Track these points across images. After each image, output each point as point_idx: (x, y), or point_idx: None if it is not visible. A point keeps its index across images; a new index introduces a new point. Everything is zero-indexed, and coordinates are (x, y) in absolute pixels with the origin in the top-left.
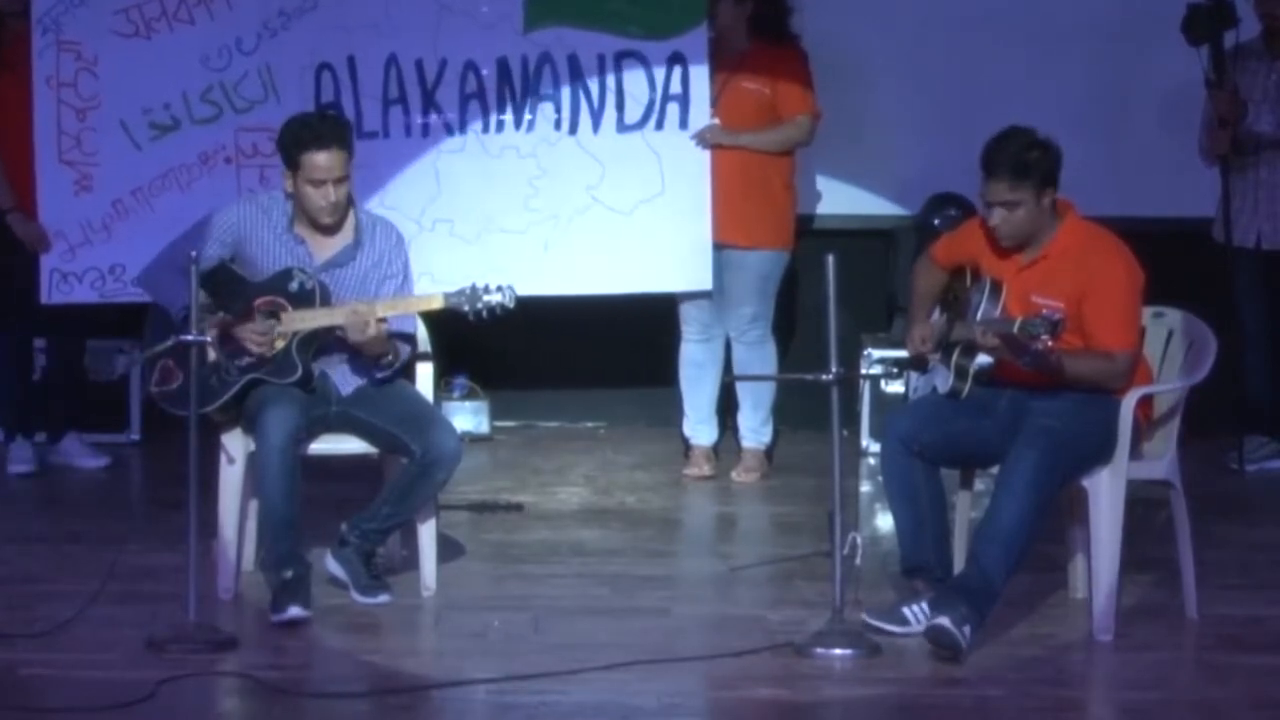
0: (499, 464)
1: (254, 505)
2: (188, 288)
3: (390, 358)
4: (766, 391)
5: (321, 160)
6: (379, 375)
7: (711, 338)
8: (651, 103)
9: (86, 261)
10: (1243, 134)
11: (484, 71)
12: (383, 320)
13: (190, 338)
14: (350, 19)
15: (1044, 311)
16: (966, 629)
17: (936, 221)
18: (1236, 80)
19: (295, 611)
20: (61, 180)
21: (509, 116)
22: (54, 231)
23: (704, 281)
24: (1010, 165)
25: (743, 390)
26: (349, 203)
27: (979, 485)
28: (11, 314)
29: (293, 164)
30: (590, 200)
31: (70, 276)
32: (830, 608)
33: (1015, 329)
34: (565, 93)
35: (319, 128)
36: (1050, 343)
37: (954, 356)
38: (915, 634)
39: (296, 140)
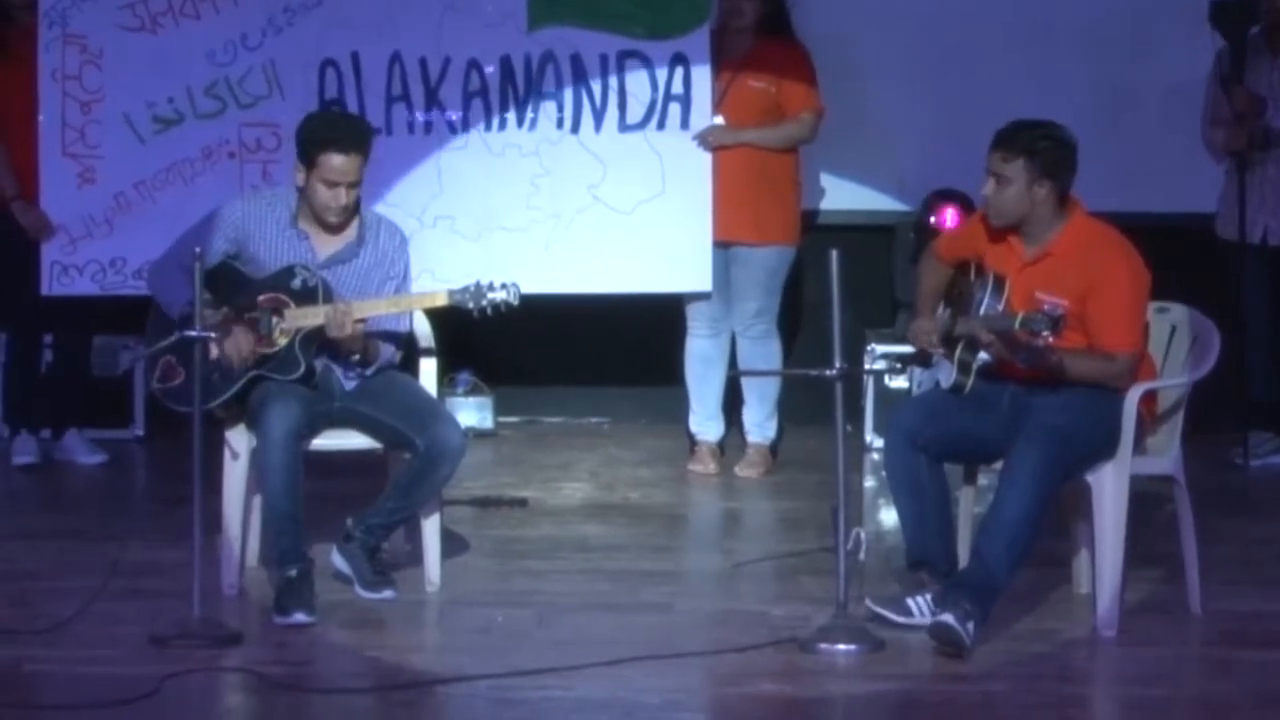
0: (503, 459)
1: (258, 501)
2: (190, 285)
3: (369, 357)
4: (771, 387)
5: (338, 163)
6: (366, 373)
7: (719, 333)
8: (653, 103)
9: (88, 254)
10: (1257, 130)
11: (488, 70)
12: (361, 321)
13: (194, 334)
14: (355, 16)
15: (1045, 307)
16: (970, 625)
17: (932, 220)
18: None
19: (299, 617)
20: (65, 173)
21: (511, 115)
22: (56, 224)
23: (703, 283)
24: (1012, 139)
25: (747, 385)
26: (357, 205)
27: (982, 480)
28: (15, 307)
29: (309, 161)
30: (591, 199)
31: (71, 269)
32: (834, 603)
33: (1017, 324)
34: (568, 92)
35: (343, 128)
36: (1051, 339)
37: (958, 351)
38: (918, 625)
39: (317, 138)
